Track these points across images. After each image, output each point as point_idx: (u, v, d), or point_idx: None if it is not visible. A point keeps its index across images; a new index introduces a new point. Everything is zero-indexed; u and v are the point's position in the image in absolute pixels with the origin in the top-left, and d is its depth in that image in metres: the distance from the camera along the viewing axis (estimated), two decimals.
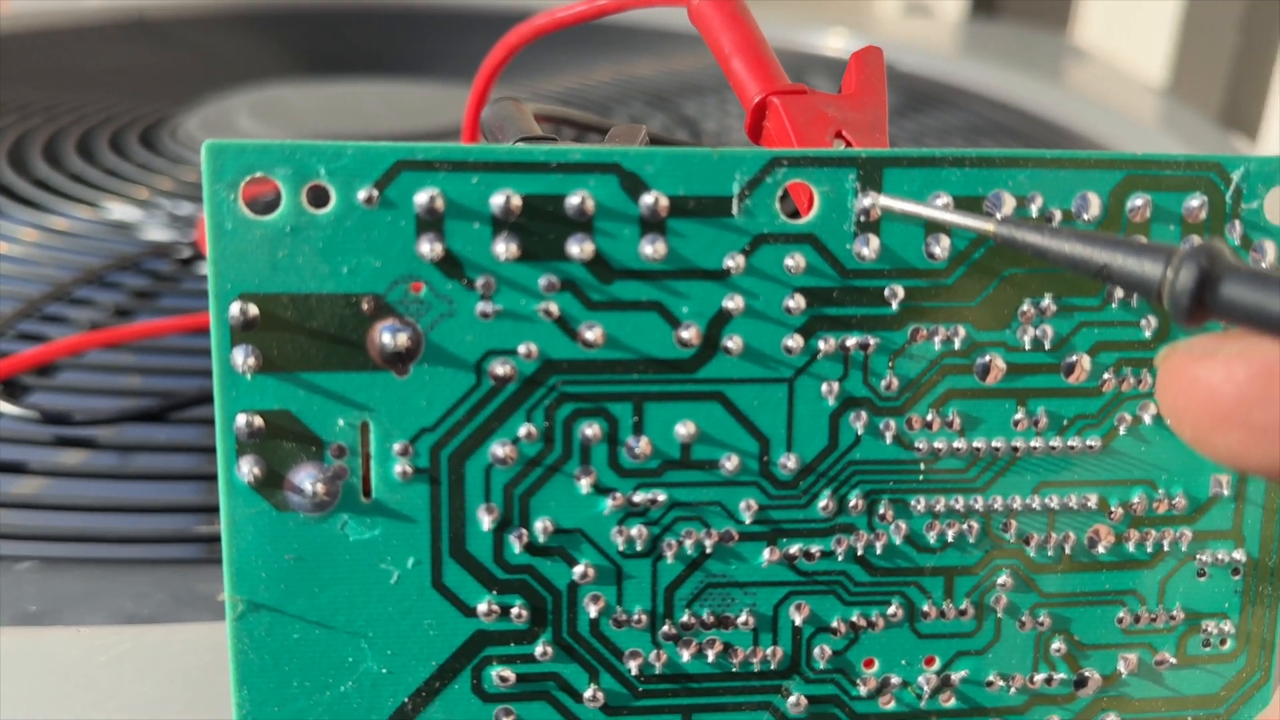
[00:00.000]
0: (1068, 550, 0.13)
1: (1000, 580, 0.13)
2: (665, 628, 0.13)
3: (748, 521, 0.13)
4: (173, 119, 0.43)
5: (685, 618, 0.13)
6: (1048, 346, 0.13)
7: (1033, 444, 0.13)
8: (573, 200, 0.12)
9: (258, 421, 0.12)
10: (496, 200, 0.12)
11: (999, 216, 0.12)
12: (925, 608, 0.13)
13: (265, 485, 0.12)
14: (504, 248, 0.12)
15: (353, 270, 0.12)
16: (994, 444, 0.13)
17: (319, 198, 0.11)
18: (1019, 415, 0.13)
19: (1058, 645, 0.13)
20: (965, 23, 0.86)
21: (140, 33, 0.58)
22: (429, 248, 0.12)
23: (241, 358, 0.12)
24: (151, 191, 0.35)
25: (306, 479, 0.12)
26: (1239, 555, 0.14)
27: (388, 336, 0.12)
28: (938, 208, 0.12)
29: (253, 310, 0.11)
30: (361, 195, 0.11)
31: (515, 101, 0.16)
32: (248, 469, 0.12)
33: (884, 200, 0.12)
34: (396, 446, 0.12)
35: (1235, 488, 0.13)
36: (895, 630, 0.13)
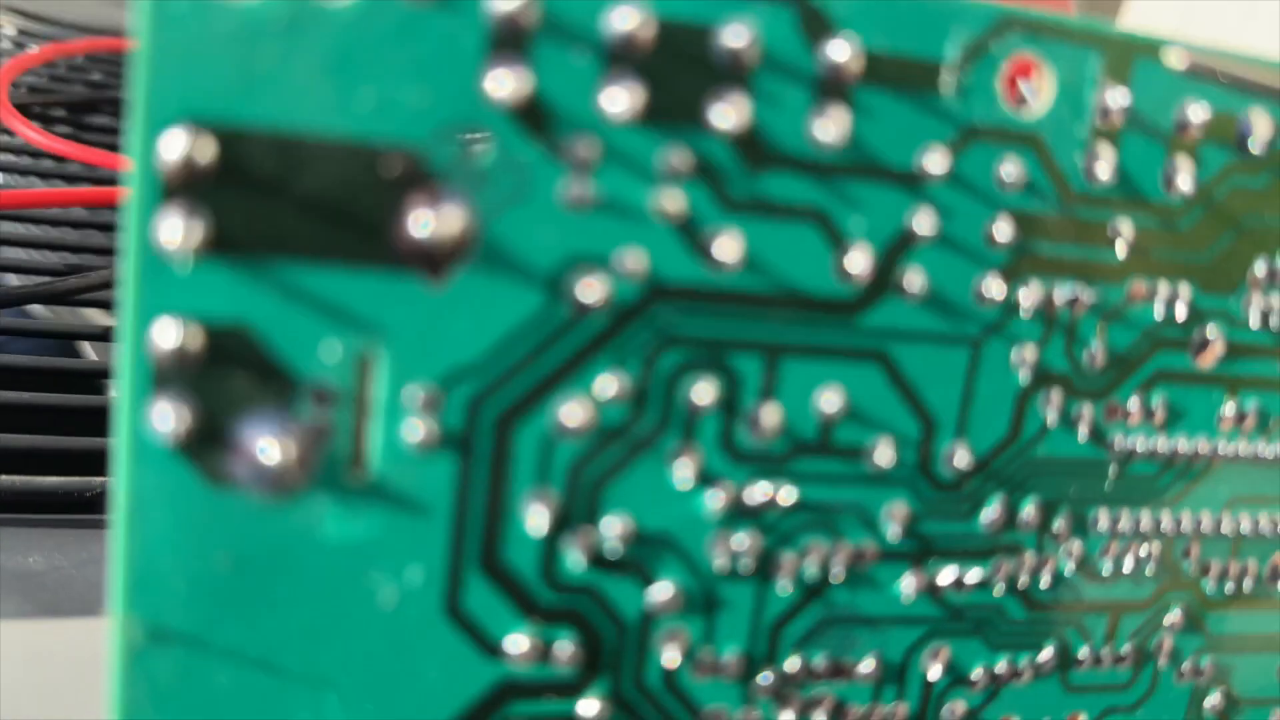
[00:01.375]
0: (1246, 584, 0.10)
1: (1169, 620, 0.10)
2: (764, 676, 0.09)
3: (891, 535, 0.09)
4: None
5: (792, 663, 0.09)
6: (1273, 324, 0.10)
7: (1235, 447, 0.10)
8: (730, 36, 0.08)
9: (195, 337, 0.07)
10: (618, 20, 0.07)
11: None
12: (1081, 653, 0.10)
13: (197, 443, 0.07)
14: (619, 99, 0.07)
15: (379, 104, 0.07)
16: (1194, 445, 0.10)
17: None
18: (1227, 409, 0.10)
19: (1213, 701, 0.11)
20: None
21: None
22: (505, 83, 0.07)
23: (178, 228, 0.07)
24: None
25: (266, 436, 0.07)
26: None
27: (424, 219, 0.07)
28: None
29: (207, 150, 0.07)
30: None
31: None
32: (169, 415, 0.07)
33: (1200, 59, 0.09)
34: (416, 394, 0.08)
35: None
36: (1043, 683, 0.10)
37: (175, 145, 0.07)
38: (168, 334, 0.07)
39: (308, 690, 0.08)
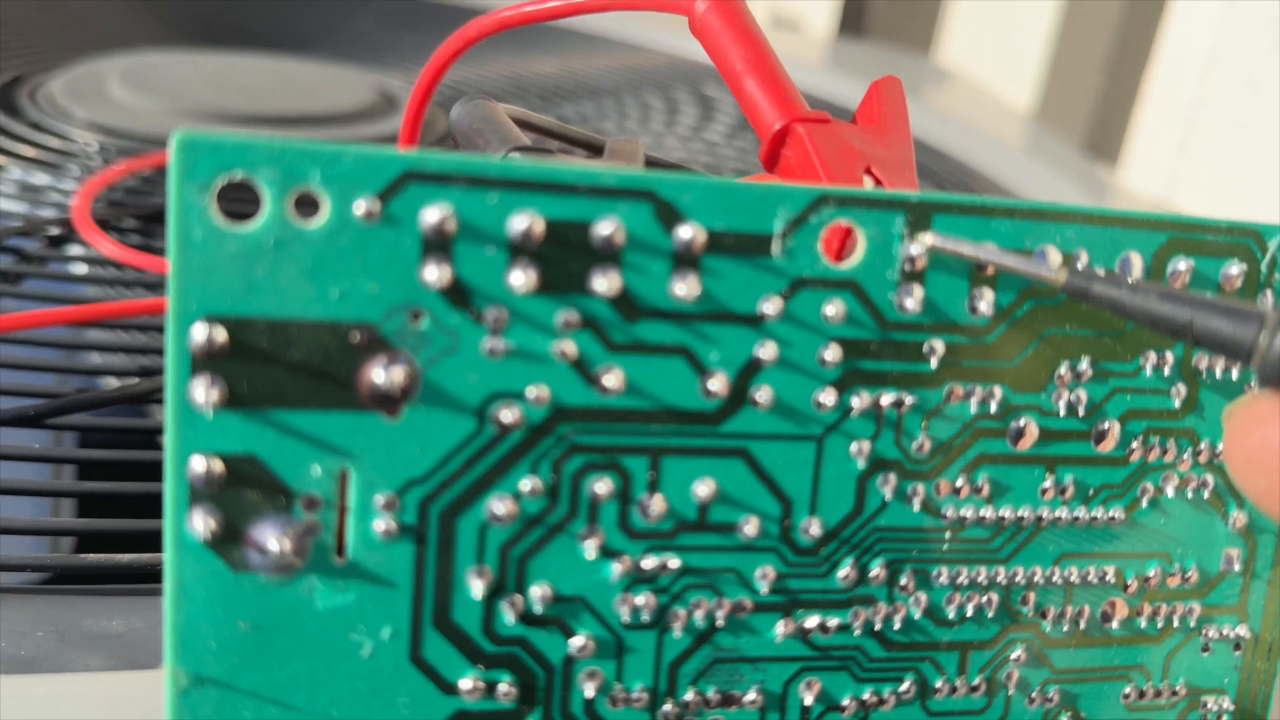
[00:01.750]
0: (1082, 625, 0.13)
1: (1014, 655, 0.12)
2: (667, 707, 0.11)
3: (763, 591, 0.12)
4: (32, 79, 0.39)
5: (689, 695, 0.12)
6: (1081, 412, 0.12)
7: (1058, 514, 0.12)
8: (602, 228, 0.10)
9: (218, 466, 0.10)
10: (517, 223, 0.10)
11: (1077, 266, 0.11)
12: (938, 684, 0.12)
13: (222, 541, 0.10)
14: (521, 277, 0.10)
15: (344, 295, 0.10)
16: (1020, 513, 0.12)
17: (308, 207, 0.10)
18: (1047, 483, 0.12)
19: None
20: (833, 40, 0.87)
21: None
22: (435, 273, 0.10)
23: (203, 391, 0.10)
24: (8, 158, 0.32)
25: (271, 535, 0.10)
26: (1242, 631, 0.13)
27: (380, 373, 0.10)
28: (1009, 258, 0.11)
29: (220, 336, 0.10)
30: (359, 208, 0.10)
31: (489, 102, 0.15)
32: (202, 521, 0.10)
33: (950, 243, 0.11)
34: (380, 499, 0.10)
35: (1245, 562, 0.13)
36: (906, 709, 0.12)
37: (198, 334, 0.10)
38: (199, 465, 0.10)
39: None
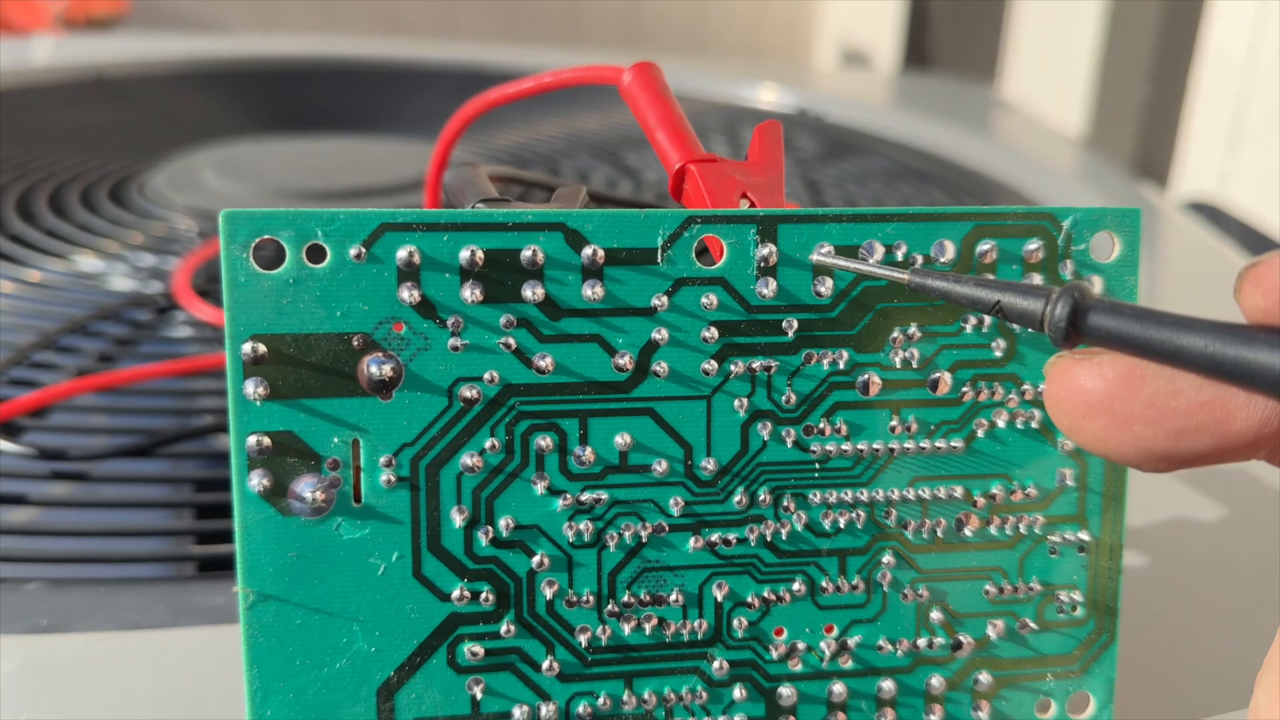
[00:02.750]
0: (940, 534, 0.16)
1: (885, 559, 0.16)
2: (609, 606, 0.15)
3: (676, 515, 0.15)
4: (140, 175, 0.45)
5: (626, 597, 0.15)
6: (915, 365, 0.16)
7: (906, 445, 0.16)
8: (526, 253, 0.14)
9: (266, 441, 0.14)
10: (464, 254, 0.14)
11: (915, 266, 0.15)
12: (824, 584, 0.16)
13: (272, 494, 0.14)
14: (470, 293, 0.14)
15: (345, 313, 0.14)
16: (874, 446, 0.16)
17: (316, 254, 0.14)
18: (894, 422, 0.16)
19: (936, 614, 0.16)
20: (898, 75, 0.90)
21: (100, 92, 0.60)
22: (408, 294, 0.14)
23: (252, 388, 0.14)
24: (122, 245, 0.37)
25: (307, 488, 0.14)
26: (1084, 536, 0.16)
27: (374, 368, 0.14)
28: (868, 264, 0.15)
29: (261, 348, 0.14)
30: (352, 252, 0.14)
31: (473, 166, 0.19)
32: (257, 481, 0.14)
33: (824, 258, 0.15)
34: (382, 459, 0.14)
35: (1078, 479, 0.16)
36: (800, 603, 0.16)
37: (247, 349, 0.14)
38: (252, 441, 0.14)
39: (345, 622, 0.15)
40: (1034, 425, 0.16)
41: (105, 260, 0.36)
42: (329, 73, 0.66)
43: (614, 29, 1.33)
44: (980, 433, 0.16)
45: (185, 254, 0.36)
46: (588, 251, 0.14)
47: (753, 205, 0.16)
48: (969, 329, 0.16)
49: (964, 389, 0.16)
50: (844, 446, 0.16)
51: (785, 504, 0.16)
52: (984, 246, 0.15)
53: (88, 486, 0.24)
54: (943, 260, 0.15)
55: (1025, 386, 0.16)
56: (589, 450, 0.15)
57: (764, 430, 0.15)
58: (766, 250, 0.15)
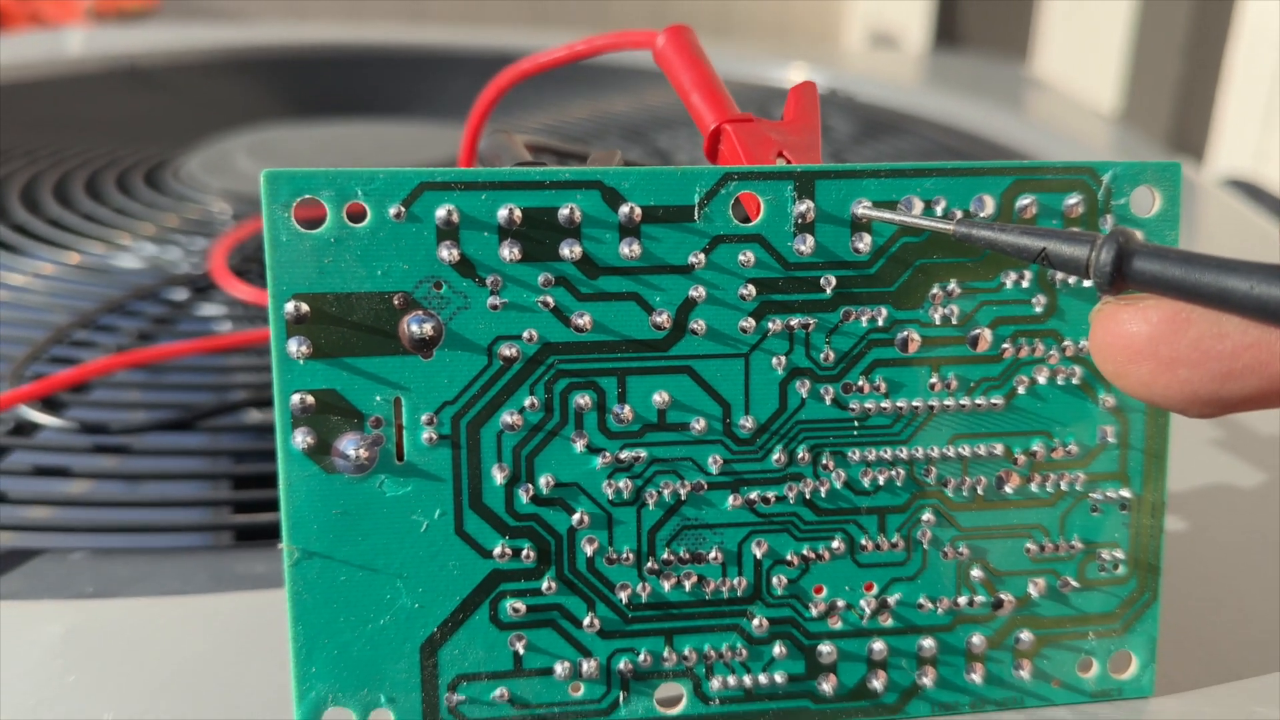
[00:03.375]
0: (980, 491, 0.16)
1: (924, 517, 0.16)
2: (649, 564, 0.15)
3: (715, 473, 0.15)
4: (174, 160, 0.45)
5: (665, 555, 0.15)
6: (955, 322, 0.16)
7: (946, 403, 0.16)
8: (563, 211, 0.14)
9: (309, 399, 0.14)
10: (502, 213, 0.14)
11: (957, 218, 0.15)
12: (863, 542, 0.16)
13: (316, 452, 0.14)
14: (509, 251, 0.14)
15: (385, 273, 0.14)
16: (914, 404, 0.16)
17: (357, 214, 0.14)
18: (934, 379, 0.16)
19: (976, 572, 0.16)
20: (929, 54, 0.90)
21: (134, 81, 0.61)
22: (447, 253, 0.14)
23: (295, 347, 0.14)
24: (158, 228, 0.38)
25: (350, 445, 0.14)
26: (1126, 493, 0.16)
27: (415, 326, 0.14)
28: (911, 215, 0.15)
29: (304, 308, 0.14)
30: (392, 211, 0.14)
31: (508, 133, 0.19)
32: (301, 439, 0.14)
33: (868, 211, 0.15)
34: (424, 417, 0.15)
35: (1120, 436, 0.16)
36: (839, 561, 0.16)
37: (289, 308, 0.14)
38: (296, 399, 0.14)
39: (388, 579, 0.15)
40: (1075, 382, 0.16)
41: (142, 242, 0.37)
42: (358, 59, 0.66)
43: (641, 12, 1.33)
44: (1021, 389, 0.16)
45: (220, 235, 0.36)
46: (624, 209, 0.15)
47: (789, 164, 0.16)
48: (1009, 285, 0.16)
49: (1004, 345, 0.16)
50: (883, 404, 0.16)
51: (824, 462, 0.16)
52: (1024, 201, 0.15)
53: (129, 459, 0.24)
54: (982, 215, 0.15)
55: (1066, 342, 0.16)
56: (627, 408, 0.15)
57: (802, 388, 0.15)
58: (804, 206, 0.15)
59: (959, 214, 0.15)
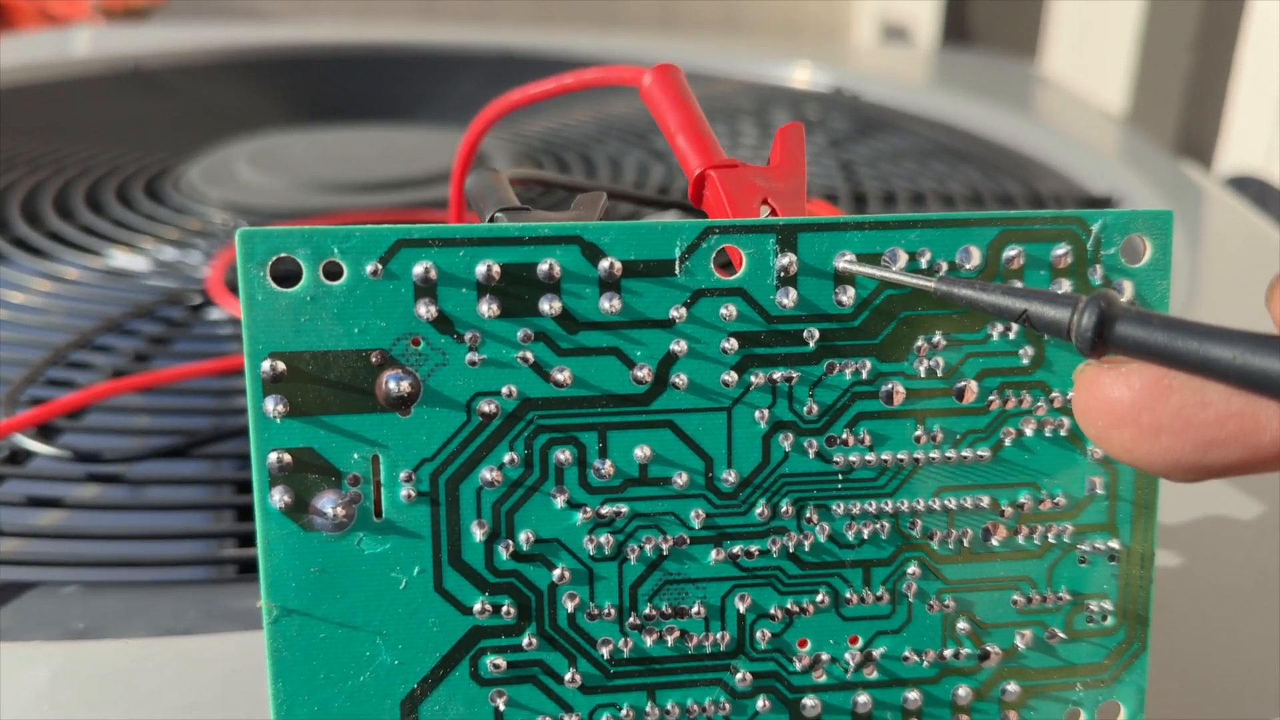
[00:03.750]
0: (966, 544, 0.16)
1: (910, 570, 0.16)
2: (631, 619, 0.15)
3: (697, 527, 0.15)
4: (175, 169, 0.45)
5: (647, 610, 0.15)
6: (940, 374, 0.15)
7: (932, 455, 0.16)
8: (542, 267, 0.14)
9: (286, 458, 0.14)
10: (480, 269, 0.14)
11: (941, 272, 0.14)
12: (848, 595, 0.16)
13: (294, 510, 0.14)
14: (487, 308, 0.14)
15: (362, 330, 0.14)
16: (899, 456, 0.15)
17: (333, 272, 0.14)
18: (919, 432, 0.15)
19: (962, 625, 0.16)
20: (938, 51, 0.89)
21: (137, 84, 0.61)
22: (425, 309, 0.14)
23: (272, 405, 0.14)
24: (157, 241, 0.38)
25: (328, 504, 0.14)
26: (1114, 544, 0.16)
27: (392, 384, 0.14)
28: (891, 270, 0.15)
29: (280, 366, 0.14)
30: (368, 268, 0.14)
31: (495, 173, 0.19)
32: (279, 497, 0.14)
33: (849, 265, 0.15)
34: (402, 474, 0.14)
35: (1109, 487, 0.16)
36: (824, 615, 0.16)
37: (265, 366, 0.14)
38: (273, 458, 0.14)
39: (368, 636, 0.15)
40: (1063, 433, 0.16)
41: (141, 256, 0.37)
42: (363, 60, 0.66)
43: (650, 7, 1.32)
44: (1008, 441, 0.16)
45: (219, 249, 0.36)
46: (605, 264, 0.14)
47: (774, 212, 0.16)
48: (995, 336, 0.15)
49: (991, 397, 0.16)
50: (867, 457, 0.15)
51: (808, 515, 0.15)
52: (1011, 252, 0.15)
53: (124, 489, 0.24)
54: (968, 267, 0.15)
55: (1054, 394, 0.16)
56: (608, 463, 0.15)
57: (785, 441, 0.15)
58: (786, 260, 0.15)
59: (944, 266, 0.15)
